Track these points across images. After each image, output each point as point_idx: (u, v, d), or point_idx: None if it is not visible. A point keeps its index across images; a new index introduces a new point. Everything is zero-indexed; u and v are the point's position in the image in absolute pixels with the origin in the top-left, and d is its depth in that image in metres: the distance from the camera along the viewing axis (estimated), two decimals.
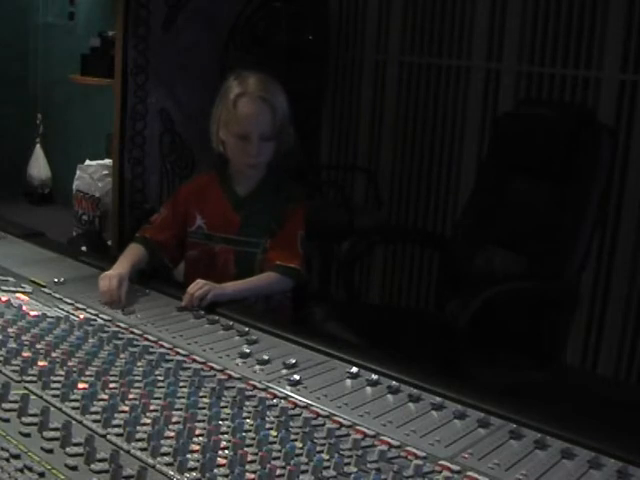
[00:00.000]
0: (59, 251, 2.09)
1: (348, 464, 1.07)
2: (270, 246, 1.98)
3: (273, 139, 1.96)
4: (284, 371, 1.40)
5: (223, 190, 2.06)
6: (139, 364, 1.35)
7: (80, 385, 1.23)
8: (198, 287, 1.74)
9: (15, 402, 1.12)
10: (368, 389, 1.35)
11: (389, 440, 1.15)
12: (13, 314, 1.53)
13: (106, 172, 4.54)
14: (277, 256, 1.94)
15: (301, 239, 1.99)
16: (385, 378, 1.38)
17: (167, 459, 1.02)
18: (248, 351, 1.47)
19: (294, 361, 1.42)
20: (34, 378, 1.24)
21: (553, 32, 3.31)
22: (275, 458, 1.05)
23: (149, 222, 2.08)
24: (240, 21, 3.83)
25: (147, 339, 1.50)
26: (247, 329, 1.59)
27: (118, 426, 1.10)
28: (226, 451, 1.06)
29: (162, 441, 1.06)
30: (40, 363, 1.30)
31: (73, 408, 1.14)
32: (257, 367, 1.41)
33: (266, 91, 1.95)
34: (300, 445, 1.10)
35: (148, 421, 1.12)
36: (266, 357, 1.44)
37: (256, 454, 1.05)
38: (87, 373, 1.28)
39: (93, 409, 1.14)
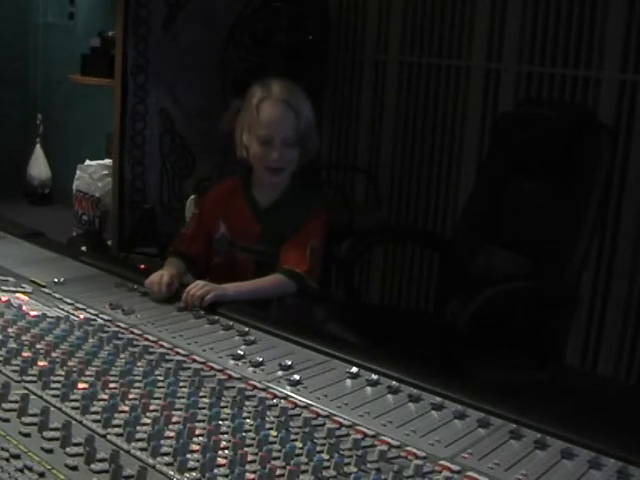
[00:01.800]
0: (59, 251, 2.09)
1: (348, 464, 1.07)
2: (282, 251, 1.96)
3: (296, 145, 1.95)
4: (283, 372, 1.40)
5: (246, 199, 2.05)
6: (139, 364, 1.35)
7: (80, 385, 1.22)
8: (198, 288, 1.73)
9: (15, 402, 1.12)
10: (368, 389, 1.35)
11: (389, 440, 1.15)
12: (13, 314, 1.53)
13: (106, 172, 4.54)
14: (284, 260, 1.94)
15: (312, 248, 1.95)
16: (385, 378, 1.38)
17: (167, 459, 1.02)
18: (248, 351, 1.47)
19: (290, 362, 1.42)
20: (34, 378, 1.24)
21: (553, 32, 3.31)
22: (275, 458, 1.05)
23: (180, 236, 2.09)
24: (240, 21, 3.83)
25: (147, 339, 1.50)
26: (247, 329, 1.59)
27: (118, 426, 1.10)
28: (226, 451, 1.05)
29: (162, 441, 1.06)
30: (40, 363, 1.30)
31: (73, 408, 1.14)
32: (257, 367, 1.41)
33: (290, 96, 1.94)
34: (300, 445, 1.10)
35: (148, 421, 1.12)
36: (266, 357, 1.44)
37: (256, 454, 1.05)
38: (87, 373, 1.28)
39: (93, 409, 1.14)
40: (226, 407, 1.21)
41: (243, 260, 2.03)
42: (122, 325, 1.56)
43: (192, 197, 3.80)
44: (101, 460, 1.00)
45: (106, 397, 1.18)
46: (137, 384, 1.25)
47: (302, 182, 2.07)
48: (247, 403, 1.24)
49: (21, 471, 0.95)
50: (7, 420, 1.08)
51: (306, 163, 2.03)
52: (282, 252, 1.96)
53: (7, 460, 0.97)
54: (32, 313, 1.56)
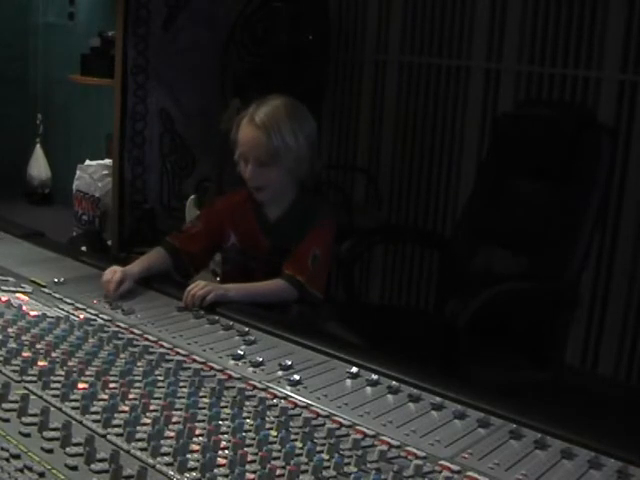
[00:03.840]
0: (59, 251, 2.09)
1: (348, 464, 1.07)
2: (286, 258, 1.96)
3: (274, 165, 1.94)
4: (283, 372, 1.40)
5: (254, 212, 2.05)
6: (139, 364, 1.35)
7: (80, 385, 1.22)
8: (199, 287, 1.73)
9: (15, 402, 1.12)
10: (368, 389, 1.35)
11: (389, 440, 1.15)
12: (13, 314, 1.53)
13: (106, 172, 4.54)
14: (287, 266, 1.93)
15: (314, 256, 1.94)
16: (385, 378, 1.38)
17: (167, 459, 1.02)
18: (248, 351, 1.47)
19: (290, 362, 1.42)
20: (34, 378, 1.24)
21: (553, 32, 3.31)
22: (275, 458, 1.05)
23: (181, 230, 2.09)
24: (240, 21, 3.83)
25: (147, 339, 1.50)
26: (247, 329, 1.59)
27: (118, 426, 1.10)
28: (226, 451, 1.05)
29: (162, 441, 1.06)
30: (40, 363, 1.30)
31: (73, 408, 1.14)
32: (257, 367, 1.41)
33: (267, 116, 1.93)
34: (300, 445, 1.10)
35: (148, 421, 1.12)
36: (266, 357, 1.44)
37: (256, 454, 1.05)
38: (87, 373, 1.28)
39: (93, 409, 1.14)
40: (226, 407, 1.21)
41: (254, 270, 2.02)
42: (122, 325, 1.56)
43: (192, 197, 3.80)
44: (101, 460, 1.00)
45: (106, 397, 1.18)
46: (137, 384, 1.25)
47: (308, 194, 2.06)
48: (247, 403, 1.24)
49: (21, 471, 0.95)
50: (7, 420, 1.08)
51: (307, 179, 2.02)
52: (286, 259, 1.96)
53: (7, 460, 0.97)
54: (32, 313, 1.56)
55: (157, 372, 1.32)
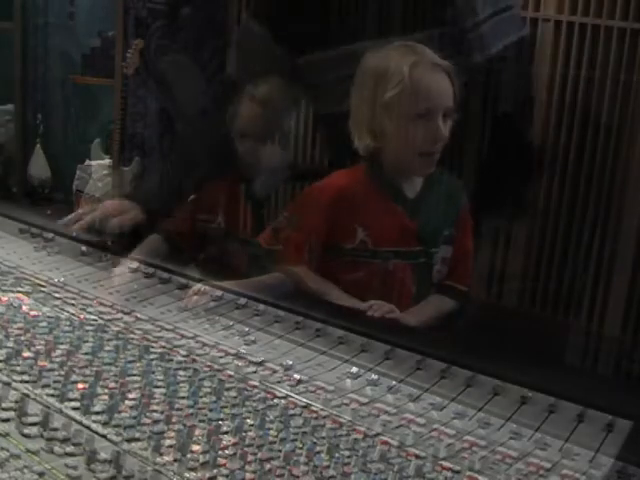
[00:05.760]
0: (59, 251, 2.09)
1: (348, 464, 1.07)
2: (281, 247, 1.96)
3: (265, 141, 1.95)
4: (284, 371, 1.40)
5: (244, 187, 2.06)
6: (139, 364, 1.35)
7: (80, 385, 1.23)
8: (198, 288, 1.73)
9: (15, 402, 1.12)
10: (368, 389, 1.35)
11: (389, 440, 1.15)
12: (13, 314, 1.53)
13: (106, 172, 4.54)
14: (283, 258, 1.93)
15: (310, 246, 1.95)
16: (385, 378, 1.38)
17: (167, 459, 1.02)
18: (248, 351, 1.47)
19: (290, 362, 1.42)
20: (34, 378, 1.24)
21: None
22: (275, 458, 1.05)
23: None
24: (241, 20, 3.83)
25: (147, 339, 1.50)
26: (247, 329, 1.59)
27: (118, 426, 1.10)
28: (226, 451, 1.06)
29: (162, 441, 1.06)
30: (40, 363, 1.30)
31: (73, 408, 1.14)
32: (257, 367, 1.41)
33: (261, 91, 1.96)
34: (300, 445, 1.10)
35: (148, 421, 1.12)
36: (266, 357, 1.44)
37: (256, 454, 1.05)
38: (87, 373, 1.28)
39: (93, 409, 1.14)
40: (226, 407, 1.21)
41: (235, 253, 2.02)
42: (122, 325, 1.56)
43: (191, 197, 3.79)
44: (101, 461, 1.00)
45: (106, 397, 1.19)
46: (137, 384, 1.25)
47: (300, 177, 2.07)
48: (247, 403, 1.24)
49: (21, 471, 0.95)
50: (7, 420, 1.08)
51: (299, 162, 2.03)
52: (281, 248, 1.95)
53: (7, 460, 0.97)
54: (32, 313, 1.56)
55: (157, 372, 1.32)
